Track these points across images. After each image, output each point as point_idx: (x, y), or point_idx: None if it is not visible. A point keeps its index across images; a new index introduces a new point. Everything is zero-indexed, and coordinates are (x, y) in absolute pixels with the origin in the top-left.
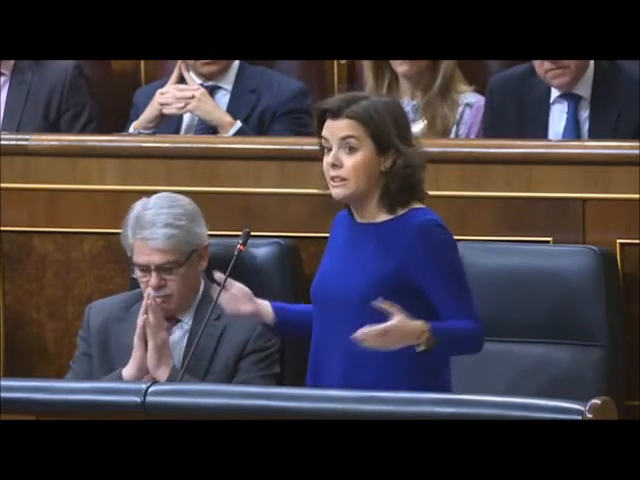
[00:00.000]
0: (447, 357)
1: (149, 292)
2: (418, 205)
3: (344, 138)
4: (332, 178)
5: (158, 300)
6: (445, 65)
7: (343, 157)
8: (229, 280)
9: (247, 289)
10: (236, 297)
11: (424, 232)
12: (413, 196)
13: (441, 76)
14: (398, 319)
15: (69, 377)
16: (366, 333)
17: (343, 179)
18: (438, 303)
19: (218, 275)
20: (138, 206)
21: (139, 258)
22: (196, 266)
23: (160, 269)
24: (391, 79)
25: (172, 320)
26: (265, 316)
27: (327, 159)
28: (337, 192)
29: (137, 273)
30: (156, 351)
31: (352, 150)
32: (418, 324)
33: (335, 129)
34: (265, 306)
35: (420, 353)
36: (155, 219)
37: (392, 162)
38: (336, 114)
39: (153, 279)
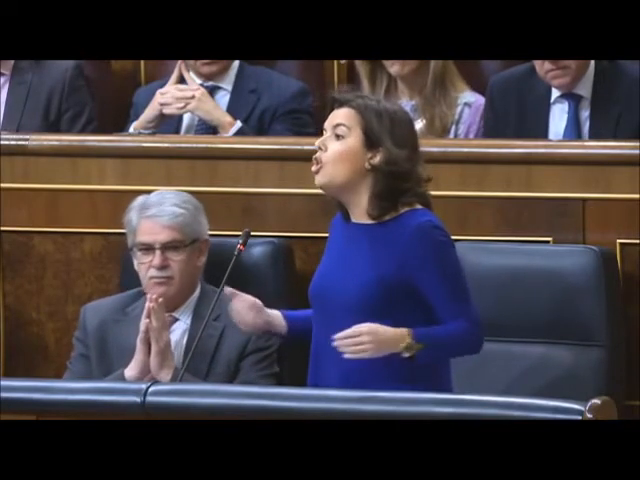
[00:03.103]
0: (442, 360)
1: (150, 274)
2: (417, 206)
3: (336, 125)
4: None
5: (159, 281)
6: (434, 64)
7: (329, 142)
8: (239, 293)
9: (257, 300)
10: (246, 309)
11: (422, 233)
12: (402, 201)
13: (431, 74)
14: (369, 324)
15: (66, 378)
16: (340, 337)
17: (319, 162)
18: (435, 304)
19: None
20: (141, 197)
21: (143, 237)
22: (196, 259)
23: (165, 247)
24: (389, 82)
25: (172, 310)
26: (277, 327)
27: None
28: (317, 179)
29: (138, 256)
30: (159, 354)
31: (339, 137)
32: (398, 330)
33: (333, 117)
34: (277, 317)
35: (417, 358)
36: (162, 200)
37: (380, 160)
38: (342, 104)
39: (157, 258)
